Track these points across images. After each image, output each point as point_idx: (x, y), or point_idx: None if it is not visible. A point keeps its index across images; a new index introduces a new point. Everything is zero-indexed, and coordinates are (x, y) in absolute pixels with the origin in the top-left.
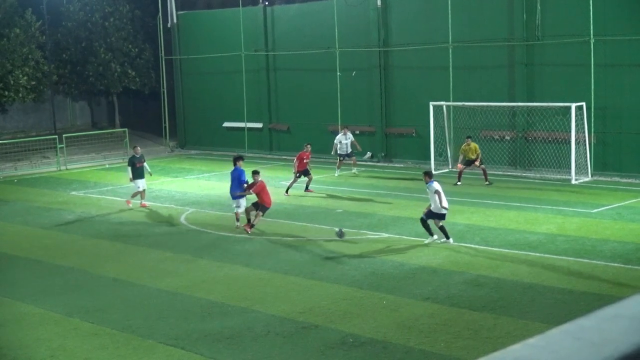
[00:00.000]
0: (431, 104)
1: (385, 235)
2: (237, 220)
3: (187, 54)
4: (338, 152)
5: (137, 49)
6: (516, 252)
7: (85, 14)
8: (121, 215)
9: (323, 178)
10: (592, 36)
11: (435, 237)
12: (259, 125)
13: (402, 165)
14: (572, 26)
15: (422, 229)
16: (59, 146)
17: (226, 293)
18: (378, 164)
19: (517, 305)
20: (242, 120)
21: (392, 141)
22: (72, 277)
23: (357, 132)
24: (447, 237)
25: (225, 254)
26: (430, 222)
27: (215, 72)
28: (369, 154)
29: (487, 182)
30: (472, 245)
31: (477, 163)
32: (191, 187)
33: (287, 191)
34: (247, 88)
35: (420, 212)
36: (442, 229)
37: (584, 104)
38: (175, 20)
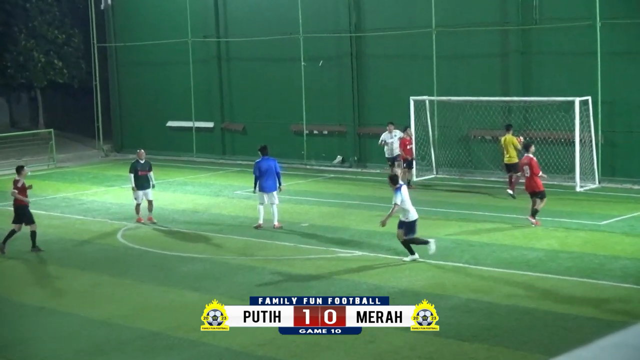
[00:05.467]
0: (412, 99)
1: (358, 253)
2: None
3: (124, 40)
4: (386, 154)
5: (65, 35)
6: (512, 271)
7: None
8: (47, 232)
9: (286, 187)
10: (598, 19)
11: (416, 255)
12: (210, 124)
13: (377, 171)
14: (575, 8)
15: (401, 246)
16: None
17: (172, 323)
18: (350, 169)
19: (513, 334)
20: (189, 119)
21: (366, 143)
22: None
23: (325, 132)
24: (412, 253)
25: (170, 277)
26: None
27: (157, 62)
28: (339, 157)
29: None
30: (461, 265)
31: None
32: (129, 198)
33: (409, 183)
34: (195, 81)
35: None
36: (406, 243)
37: (589, 98)
38: (109, 1)
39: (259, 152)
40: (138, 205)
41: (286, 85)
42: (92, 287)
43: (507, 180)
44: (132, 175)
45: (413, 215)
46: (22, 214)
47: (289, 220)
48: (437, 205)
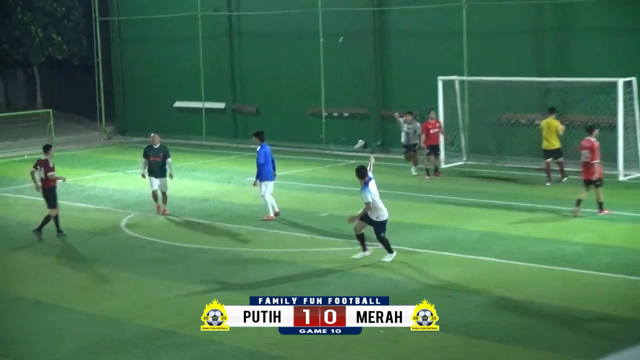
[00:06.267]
0: (440, 79)
1: (381, 246)
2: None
3: (128, 14)
4: (402, 140)
5: (64, 7)
6: (547, 267)
7: None
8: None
9: (301, 173)
10: None
11: (368, 252)
12: (220, 105)
13: (402, 157)
14: None
15: (426, 239)
16: None
17: (178, 320)
18: (372, 154)
19: (548, 334)
20: (198, 100)
21: (390, 126)
22: None
23: (345, 114)
24: (365, 249)
25: (176, 270)
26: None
27: (164, 37)
28: (360, 142)
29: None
30: (492, 259)
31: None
32: (134, 184)
33: (428, 174)
34: (205, 58)
35: (425, 217)
36: (361, 238)
37: (634, 79)
38: None
39: (257, 138)
40: (154, 193)
41: (303, 64)
42: (92, 281)
43: (544, 168)
44: (144, 160)
45: (384, 214)
46: (53, 196)
47: (306, 210)
48: (467, 195)
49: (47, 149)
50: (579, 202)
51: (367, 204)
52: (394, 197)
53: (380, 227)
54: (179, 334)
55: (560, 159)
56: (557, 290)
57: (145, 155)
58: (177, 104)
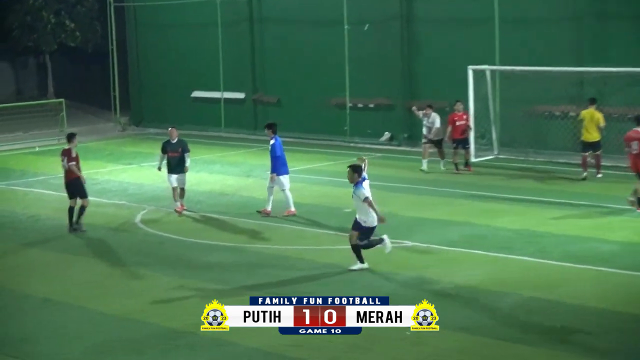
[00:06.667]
0: (470, 68)
1: (407, 243)
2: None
3: (144, 0)
4: (424, 132)
5: None
6: (582, 266)
7: None
8: (55, 216)
9: (324, 166)
10: None
11: (366, 264)
12: (240, 95)
13: (431, 150)
14: None
15: (455, 236)
16: None
17: (194, 319)
18: (398, 147)
19: (582, 337)
20: (217, 89)
21: (417, 119)
22: None
23: (371, 105)
24: (361, 260)
25: (194, 268)
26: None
27: (181, 24)
28: (386, 134)
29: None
30: (524, 258)
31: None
32: (149, 177)
33: (457, 169)
34: (224, 46)
35: (454, 213)
36: (357, 248)
37: None
38: None
39: (270, 130)
40: (174, 190)
41: (327, 52)
42: (105, 278)
43: (581, 161)
44: (161, 155)
45: (374, 220)
46: (76, 188)
47: (330, 205)
48: (498, 190)
49: (70, 137)
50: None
51: (366, 199)
52: (420, 192)
53: (366, 233)
54: (195, 334)
55: (599, 152)
56: (590, 291)
57: (163, 150)
58: (195, 93)
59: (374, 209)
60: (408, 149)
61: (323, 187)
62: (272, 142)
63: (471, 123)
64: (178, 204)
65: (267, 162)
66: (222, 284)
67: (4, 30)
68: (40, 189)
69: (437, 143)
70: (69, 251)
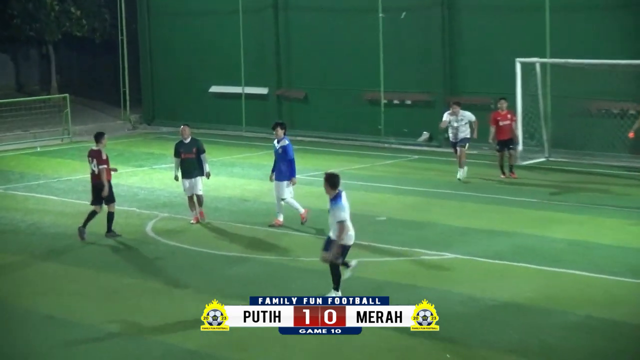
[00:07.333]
0: (518, 61)
1: (449, 255)
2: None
3: None
4: (450, 137)
5: None
6: None
7: None
8: (59, 222)
9: (356, 169)
10: None
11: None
12: (263, 91)
13: (474, 152)
14: None
15: (502, 247)
16: None
17: (213, 339)
18: (438, 149)
19: None
20: (237, 84)
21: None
22: None
23: (408, 101)
24: (337, 286)
25: (211, 282)
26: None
27: (199, 11)
28: (425, 134)
29: None
30: (578, 272)
31: None
32: (162, 181)
33: (503, 173)
34: (246, 36)
35: (500, 222)
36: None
37: None
38: None
39: (282, 131)
40: (190, 199)
41: (359, 43)
42: (113, 293)
43: None
44: (175, 160)
45: (351, 238)
46: (109, 190)
47: (362, 212)
48: (549, 197)
49: (98, 137)
50: None
51: (341, 222)
52: (462, 198)
53: (343, 251)
54: (214, 356)
55: None
56: None
57: (177, 153)
58: (213, 88)
59: (342, 235)
60: (449, 150)
61: (354, 193)
62: (286, 142)
63: (518, 122)
64: (194, 214)
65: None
66: (243, 300)
67: (4, 18)
68: (42, 193)
69: (462, 141)
70: (73, 263)
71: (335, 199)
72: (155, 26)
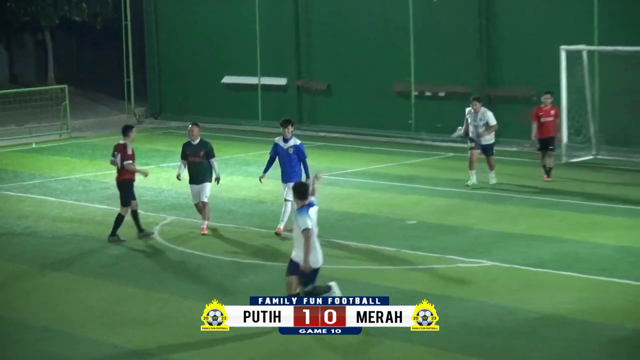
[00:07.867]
0: (563, 49)
1: (486, 263)
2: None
3: None
4: (470, 134)
5: None
6: None
7: None
8: (56, 227)
9: (384, 168)
10: None
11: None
12: (281, 82)
13: (513, 149)
14: None
15: (544, 254)
16: None
17: (227, 355)
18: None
19: None
20: (253, 74)
21: (499, 109)
22: None
23: (441, 93)
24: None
25: (224, 291)
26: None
27: None
28: (460, 129)
29: None
30: (628, 282)
31: None
32: (169, 181)
33: (547, 174)
34: (262, 22)
35: (542, 227)
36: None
37: None
38: None
39: (293, 128)
40: (197, 206)
41: (387, 30)
42: (115, 303)
43: None
44: (181, 162)
45: (319, 259)
46: (130, 192)
47: (390, 216)
48: (597, 198)
49: (126, 130)
50: None
51: (306, 230)
52: (501, 200)
53: (308, 277)
54: None
55: None
56: None
57: (183, 155)
58: (226, 79)
59: (310, 247)
60: None
61: (382, 193)
62: (297, 141)
63: (563, 117)
64: (205, 224)
65: (313, 162)
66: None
67: None
68: (38, 194)
69: (487, 149)
70: (72, 270)
71: (301, 209)
72: (162, 10)
